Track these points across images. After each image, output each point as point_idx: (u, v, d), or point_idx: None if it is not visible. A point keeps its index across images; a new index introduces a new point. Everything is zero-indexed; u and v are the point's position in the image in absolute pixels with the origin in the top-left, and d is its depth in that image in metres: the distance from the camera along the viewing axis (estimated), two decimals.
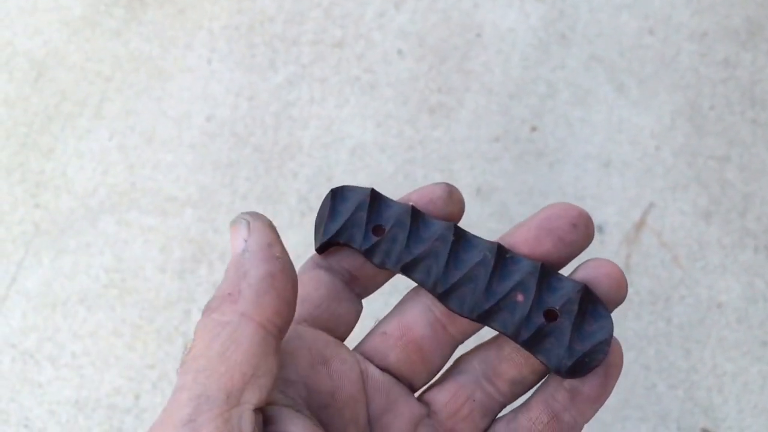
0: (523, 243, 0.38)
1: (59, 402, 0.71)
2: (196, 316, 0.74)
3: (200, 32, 0.83)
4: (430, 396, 0.40)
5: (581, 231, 0.37)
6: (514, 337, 0.36)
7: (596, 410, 0.38)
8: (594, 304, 0.37)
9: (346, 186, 0.42)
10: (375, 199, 0.40)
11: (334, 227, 0.40)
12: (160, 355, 0.73)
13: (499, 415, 0.39)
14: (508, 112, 0.81)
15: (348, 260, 0.41)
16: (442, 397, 0.39)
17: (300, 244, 0.76)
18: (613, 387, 0.37)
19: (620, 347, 0.37)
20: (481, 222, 0.76)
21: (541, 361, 0.36)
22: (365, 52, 0.83)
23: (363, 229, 0.40)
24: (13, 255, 0.74)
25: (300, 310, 0.38)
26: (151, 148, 0.79)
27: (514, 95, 0.82)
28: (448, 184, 0.40)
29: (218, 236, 0.76)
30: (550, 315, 0.37)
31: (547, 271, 0.38)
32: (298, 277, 0.37)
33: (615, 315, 0.69)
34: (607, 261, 0.38)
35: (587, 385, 0.37)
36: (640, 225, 0.77)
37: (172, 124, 0.80)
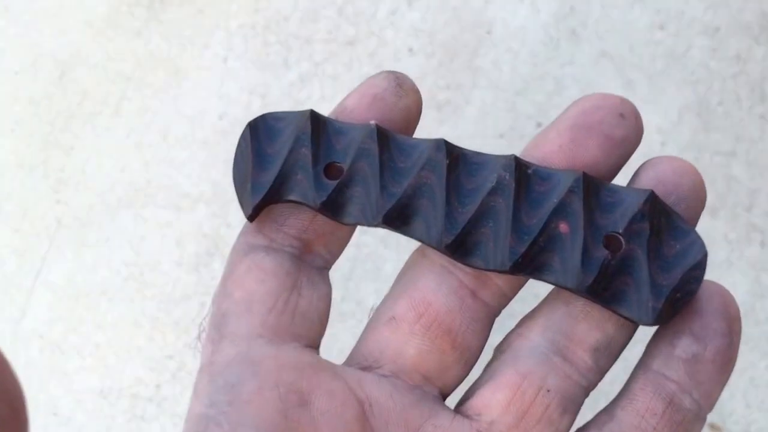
0: (556, 152, 0.29)
1: (85, 391, 0.76)
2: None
3: (218, 31, 0.88)
4: (477, 402, 0.29)
5: (631, 123, 0.30)
6: (574, 287, 0.28)
7: (722, 387, 0.29)
8: (669, 217, 0.28)
9: (270, 114, 0.31)
10: (319, 124, 0.30)
11: (267, 179, 0.30)
12: (178, 346, 0.78)
13: (585, 415, 0.30)
14: (514, 109, 0.84)
15: (291, 220, 0.30)
16: (498, 400, 0.28)
17: None
18: (738, 349, 0.28)
19: (731, 294, 0.29)
20: None
21: (617, 313, 0.28)
22: (377, 49, 0.87)
23: (311, 174, 0.29)
24: (38, 249, 0.80)
25: (248, 321, 0.28)
26: (166, 146, 0.84)
27: (521, 92, 0.85)
28: (391, 72, 0.31)
29: (230, 231, 0.81)
30: (613, 243, 0.28)
31: (593, 183, 0.29)
32: (231, 272, 0.29)
33: None
34: (673, 158, 0.30)
35: (710, 348, 0.28)
36: None
37: (186, 121, 0.84)
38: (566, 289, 0.28)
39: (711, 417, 0.75)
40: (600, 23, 0.86)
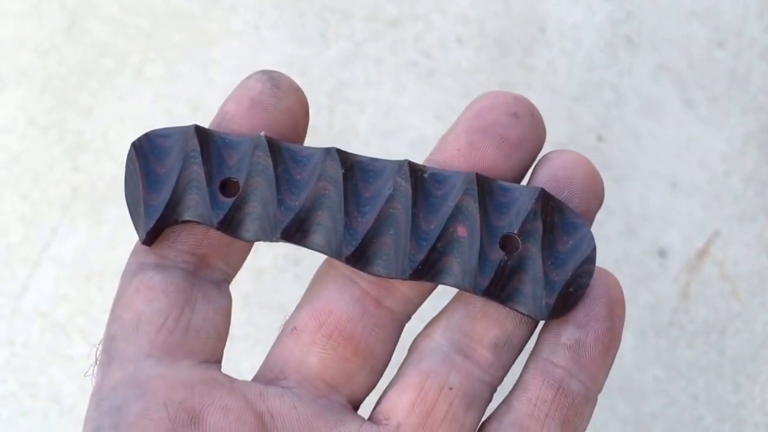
0: (456, 156, 0.31)
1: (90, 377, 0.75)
2: (237, 302, 0.77)
3: None
4: (385, 406, 0.32)
5: (526, 121, 0.31)
6: (471, 288, 0.31)
7: (608, 369, 0.32)
8: (562, 213, 0.31)
9: (153, 132, 0.32)
10: (207, 139, 0.31)
11: (160, 200, 0.31)
12: None
13: (487, 414, 0.33)
14: (573, 118, 0.85)
15: (184, 236, 0.32)
16: (403, 402, 0.31)
17: None
18: (620, 332, 0.32)
19: (614, 277, 0.32)
20: None
21: (514, 310, 0.31)
22: (422, 34, 0.88)
23: (206, 192, 0.31)
24: (49, 219, 0.77)
25: (135, 342, 0.30)
26: (197, 118, 0.81)
27: (578, 99, 0.86)
28: (264, 72, 0.32)
29: None
30: (510, 244, 0.31)
31: (487, 183, 0.31)
32: (120, 294, 0.31)
33: (667, 342, 0.77)
34: (567, 152, 0.32)
35: (591, 333, 0.31)
36: (703, 252, 0.82)
37: (219, 93, 0.81)
38: (465, 290, 0.31)
39: None
40: (656, 33, 0.89)
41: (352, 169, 0.31)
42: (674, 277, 0.82)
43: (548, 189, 0.31)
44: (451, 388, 0.31)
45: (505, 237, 0.31)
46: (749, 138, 0.86)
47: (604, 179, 0.83)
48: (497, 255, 0.30)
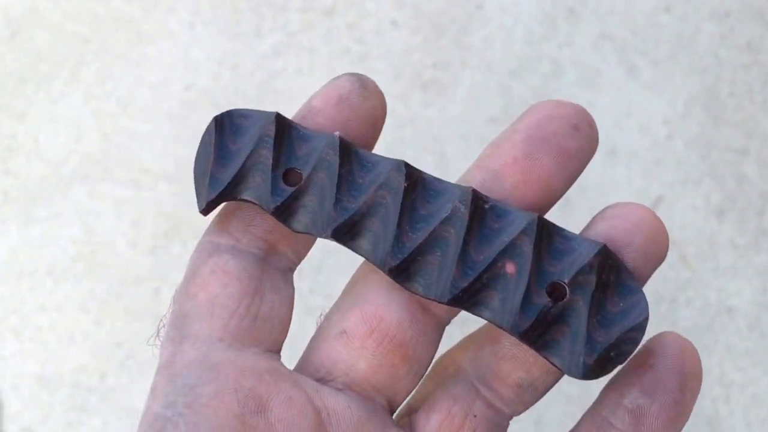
0: (510, 165, 0.31)
1: (22, 376, 0.75)
2: (166, 294, 0.77)
3: None
4: (417, 420, 0.32)
5: (585, 134, 0.31)
6: (508, 328, 0.29)
7: None
8: (618, 273, 0.30)
9: (236, 110, 0.33)
10: (283, 128, 0.32)
11: (226, 175, 0.31)
12: (128, 333, 0.77)
13: None
14: (507, 92, 0.84)
15: (258, 220, 0.32)
16: (433, 421, 0.32)
17: None
18: (691, 407, 0.30)
19: (692, 346, 0.31)
20: None
21: (547, 360, 0.30)
22: (357, 21, 0.86)
23: (269, 177, 0.31)
24: None
25: (209, 325, 0.30)
26: (127, 116, 0.82)
27: (515, 73, 0.84)
28: (352, 73, 0.33)
29: (193, 213, 0.79)
30: (557, 291, 0.30)
31: (547, 228, 0.30)
32: (195, 273, 0.31)
33: None
34: (636, 205, 0.31)
35: (656, 403, 0.30)
36: None
37: (150, 91, 0.83)
38: (501, 328, 0.30)
39: None
40: (600, 3, 0.86)
41: (415, 184, 0.31)
42: None
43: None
44: (475, 416, 0.31)
45: (554, 284, 0.30)
46: (694, 100, 0.83)
47: None
48: (542, 300, 0.29)
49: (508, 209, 0.30)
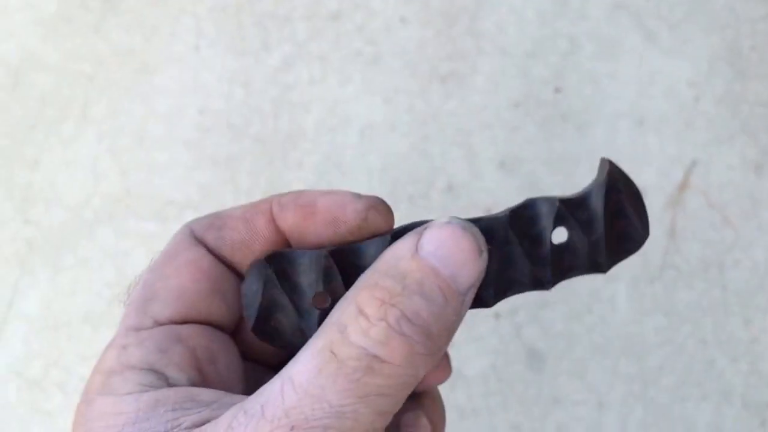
0: None
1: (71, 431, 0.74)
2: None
3: (184, 17, 0.85)
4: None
5: None
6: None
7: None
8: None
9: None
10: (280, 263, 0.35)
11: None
12: None
13: None
14: (527, 74, 0.82)
15: (231, 232, 0.36)
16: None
17: None
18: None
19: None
20: (509, 198, 0.77)
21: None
22: (365, 22, 0.85)
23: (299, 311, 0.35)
24: (8, 276, 0.77)
25: (175, 308, 0.35)
26: (144, 149, 0.81)
27: (531, 54, 0.83)
28: (359, 198, 0.35)
29: None
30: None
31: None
32: (173, 256, 0.36)
33: (663, 287, 0.72)
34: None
35: None
36: (683, 186, 0.78)
37: (163, 120, 0.82)
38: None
39: None
40: None
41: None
42: (657, 216, 0.77)
43: None
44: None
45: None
46: (716, 59, 0.82)
47: (566, 131, 0.80)
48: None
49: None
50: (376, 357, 0.30)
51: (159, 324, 0.35)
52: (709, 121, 0.80)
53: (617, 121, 0.80)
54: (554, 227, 0.35)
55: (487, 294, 0.35)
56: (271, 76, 0.84)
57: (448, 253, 0.31)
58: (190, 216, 0.79)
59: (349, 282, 0.33)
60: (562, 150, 0.79)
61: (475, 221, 0.34)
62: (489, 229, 0.35)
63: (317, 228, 0.35)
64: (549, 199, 0.35)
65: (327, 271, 0.34)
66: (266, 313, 0.35)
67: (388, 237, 0.34)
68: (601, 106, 0.81)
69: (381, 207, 0.35)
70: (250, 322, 0.35)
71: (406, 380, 0.30)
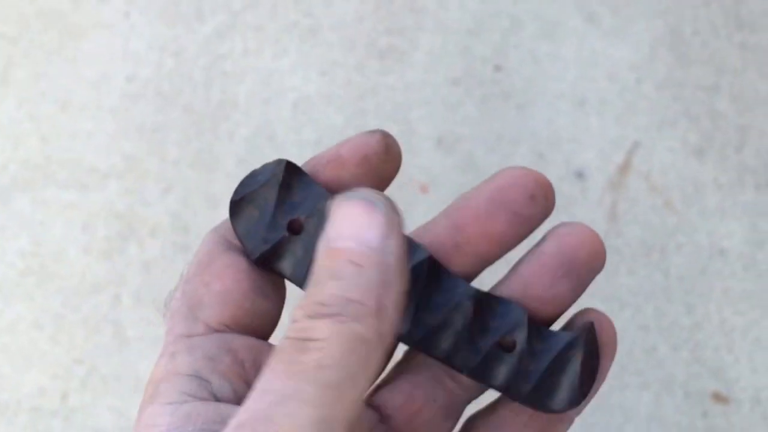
0: (472, 218, 0.36)
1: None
2: (127, 301, 0.73)
3: None
4: (380, 398, 0.37)
5: (540, 204, 0.36)
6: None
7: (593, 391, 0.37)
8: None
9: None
10: (290, 175, 0.36)
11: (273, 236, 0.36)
12: (88, 347, 0.72)
13: (472, 409, 0.38)
14: (467, 52, 0.81)
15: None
16: (395, 400, 0.37)
17: None
18: (607, 367, 0.37)
19: (611, 323, 0.37)
20: (445, 176, 0.75)
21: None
22: None
23: (266, 221, 0.36)
24: None
25: (222, 313, 0.35)
26: (67, 116, 0.78)
27: (473, 32, 0.81)
28: (383, 134, 0.37)
29: (148, 209, 0.75)
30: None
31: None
32: (210, 263, 0.36)
33: (603, 271, 0.70)
34: (580, 226, 0.36)
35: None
36: (624, 168, 0.77)
37: (89, 87, 0.79)
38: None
39: (714, 385, 0.72)
40: None
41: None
42: (597, 198, 0.76)
43: (553, 262, 0.36)
44: (434, 401, 0.36)
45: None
46: (658, 42, 0.81)
47: (506, 110, 0.78)
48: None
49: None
50: (306, 339, 0.30)
51: (210, 328, 0.35)
52: (651, 104, 0.79)
53: (558, 101, 0.79)
54: (509, 333, 0.36)
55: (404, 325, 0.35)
56: (204, 45, 0.81)
57: (348, 225, 0.31)
58: (112, 186, 0.77)
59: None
60: (501, 129, 0.78)
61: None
62: (455, 283, 0.36)
63: (350, 175, 0.36)
64: (524, 311, 0.36)
65: (318, 211, 0.35)
66: (249, 199, 0.36)
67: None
68: (541, 86, 0.80)
69: (389, 135, 0.37)
70: (234, 197, 0.36)
71: (345, 347, 0.30)
